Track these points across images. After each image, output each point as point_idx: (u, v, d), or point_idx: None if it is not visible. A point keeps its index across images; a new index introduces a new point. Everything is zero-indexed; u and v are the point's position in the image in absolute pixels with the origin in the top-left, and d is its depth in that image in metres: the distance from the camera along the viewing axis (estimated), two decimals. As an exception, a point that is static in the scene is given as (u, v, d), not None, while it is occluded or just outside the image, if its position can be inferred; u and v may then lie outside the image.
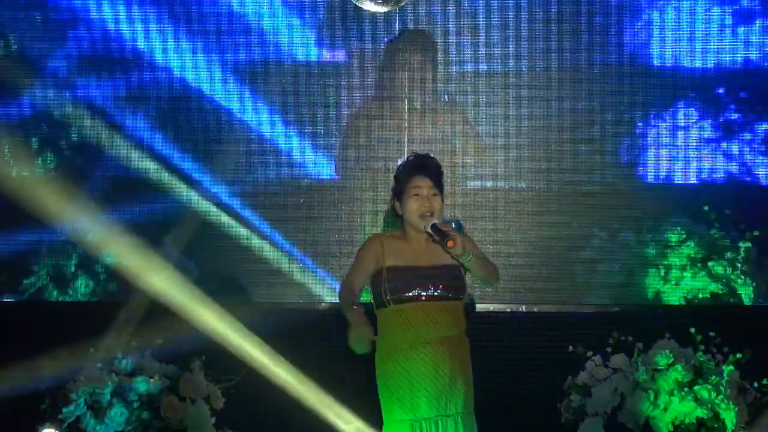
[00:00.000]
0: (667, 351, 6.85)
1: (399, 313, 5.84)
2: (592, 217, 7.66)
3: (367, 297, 5.94)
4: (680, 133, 7.70)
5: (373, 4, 7.43)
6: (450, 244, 5.78)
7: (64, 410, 6.73)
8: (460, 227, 6.05)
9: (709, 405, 6.73)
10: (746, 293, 7.58)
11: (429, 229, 5.85)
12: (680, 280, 7.60)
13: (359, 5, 7.43)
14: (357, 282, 5.92)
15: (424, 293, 5.84)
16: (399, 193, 5.93)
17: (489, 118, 7.66)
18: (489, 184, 7.68)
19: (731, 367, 6.85)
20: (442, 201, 5.96)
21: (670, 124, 7.70)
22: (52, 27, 7.69)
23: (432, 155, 6.06)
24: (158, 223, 7.62)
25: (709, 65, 7.70)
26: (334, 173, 7.69)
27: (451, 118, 7.65)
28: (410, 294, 5.84)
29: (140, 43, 7.69)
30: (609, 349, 7.00)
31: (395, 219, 6.02)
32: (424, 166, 5.94)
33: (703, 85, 7.69)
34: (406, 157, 6.11)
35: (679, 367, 6.79)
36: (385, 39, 7.63)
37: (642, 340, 6.98)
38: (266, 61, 7.67)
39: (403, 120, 7.62)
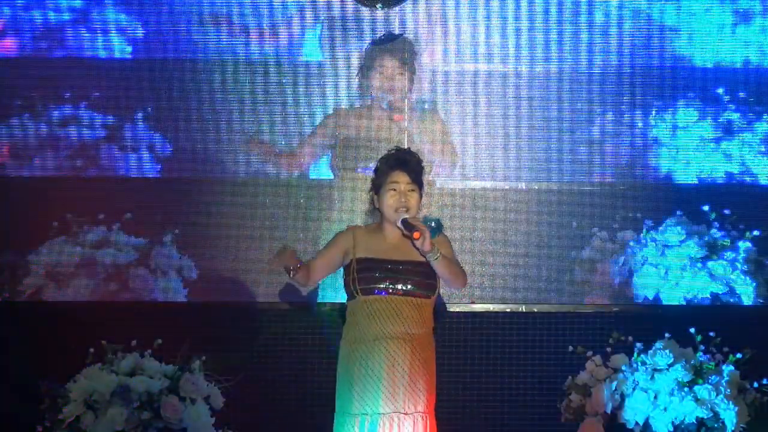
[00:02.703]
0: (667, 351, 6.85)
1: (366, 305, 5.87)
2: (592, 217, 7.66)
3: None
4: (680, 133, 7.69)
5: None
6: (416, 235, 5.81)
7: (64, 410, 6.73)
8: (440, 227, 6.03)
9: (709, 405, 6.73)
10: (746, 293, 7.58)
11: (399, 224, 5.89)
12: (680, 280, 7.60)
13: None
14: (315, 262, 5.99)
15: (393, 287, 5.86)
16: (377, 186, 5.97)
17: (489, 118, 7.66)
18: (489, 184, 7.67)
19: (731, 367, 6.84)
20: (421, 197, 5.99)
21: (670, 124, 7.70)
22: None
23: (413, 151, 6.07)
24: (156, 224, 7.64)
25: (709, 65, 7.69)
26: (334, 173, 7.69)
27: (450, 118, 7.64)
28: (379, 286, 5.87)
29: (140, 42, 7.68)
30: (609, 349, 7.00)
31: (374, 212, 6.05)
32: (404, 162, 5.96)
33: (703, 85, 7.68)
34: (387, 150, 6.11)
35: (679, 366, 6.79)
36: (384, 39, 7.62)
37: (642, 340, 6.98)
38: (266, 60, 7.67)
39: (402, 120, 7.62)
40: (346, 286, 5.98)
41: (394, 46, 7.59)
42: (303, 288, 6.89)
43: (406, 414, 5.81)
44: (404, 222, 5.90)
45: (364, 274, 5.89)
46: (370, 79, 7.60)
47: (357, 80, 7.63)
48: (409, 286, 5.88)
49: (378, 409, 5.78)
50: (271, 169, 7.69)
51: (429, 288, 5.93)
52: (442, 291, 6.36)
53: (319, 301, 7.48)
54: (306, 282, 6.03)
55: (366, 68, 7.60)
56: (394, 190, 5.94)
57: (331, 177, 7.69)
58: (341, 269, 6.08)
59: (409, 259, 5.93)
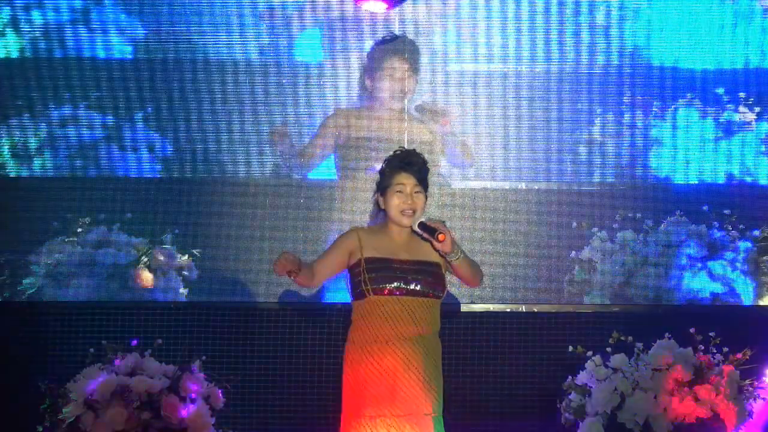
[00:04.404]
0: (667, 351, 6.85)
1: (378, 305, 5.79)
2: (592, 217, 7.66)
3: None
4: (680, 133, 7.70)
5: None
6: (441, 237, 5.76)
7: (64, 410, 6.73)
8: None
9: (709, 405, 6.73)
10: (746, 293, 7.58)
11: (416, 228, 5.84)
12: (680, 280, 7.60)
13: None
14: (319, 266, 5.85)
15: (406, 287, 5.80)
16: (383, 187, 5.92)
17: (489, 118, 7.66)
18: (489, 184, 7.68)
19: (731, 367, 6.85)
20: (426, 198, 5.95)
21: (670, 124, 7.70)
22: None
23: (418, 152, 6.04)
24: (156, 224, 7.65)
25: (709, 65, 7.69)
26: (334, 173, 7.69)
27: (450, 119, 7.64)
28: (391, 286, 5.79)
29: (141, 43, 7.69)
30: (609, 349, 7.00)
31: (378, 213, 6.00)
32: (409, 163, 5.92)
33: (703, 85, 7.69)
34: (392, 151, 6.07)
35: (679, 367, 6.79)
36: (383, 39, 7.63)
37: (642, 340, 6.98)
38: (265, 60, 7.67)
39: (402, 120, 7.62)
40: (355, 286, 5.86)
41: (398, 46, 7.59)
42: (307, 290, 6.82)
43: (420, 416, 5.77)
44: (422, 225, 5.84)
45: (375, 273, 5.80)
46: (377, 81, 7.60)
47: (364, 81, 7.62)
48: (420, 287, 5.82)
49: (394, 411, 5.74)
50: (271, 169, 7.69)
51: (440, 288, 5.87)
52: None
53: (324, 302, 7.50)
54: (309, 284, 5.96)
55: (373, 69, 7.59)
56: (401, 192, 5.88)
57: (332, 177, 7.69)
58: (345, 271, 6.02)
59: (418, 259, 5.89)
